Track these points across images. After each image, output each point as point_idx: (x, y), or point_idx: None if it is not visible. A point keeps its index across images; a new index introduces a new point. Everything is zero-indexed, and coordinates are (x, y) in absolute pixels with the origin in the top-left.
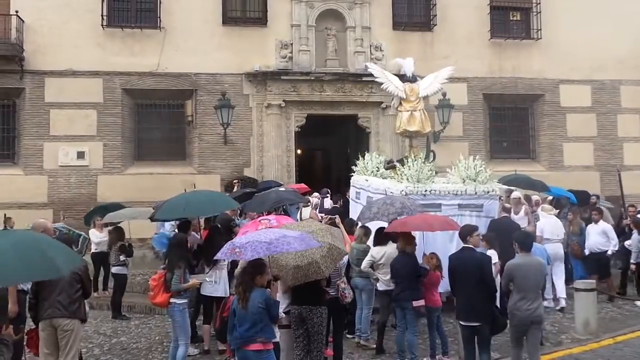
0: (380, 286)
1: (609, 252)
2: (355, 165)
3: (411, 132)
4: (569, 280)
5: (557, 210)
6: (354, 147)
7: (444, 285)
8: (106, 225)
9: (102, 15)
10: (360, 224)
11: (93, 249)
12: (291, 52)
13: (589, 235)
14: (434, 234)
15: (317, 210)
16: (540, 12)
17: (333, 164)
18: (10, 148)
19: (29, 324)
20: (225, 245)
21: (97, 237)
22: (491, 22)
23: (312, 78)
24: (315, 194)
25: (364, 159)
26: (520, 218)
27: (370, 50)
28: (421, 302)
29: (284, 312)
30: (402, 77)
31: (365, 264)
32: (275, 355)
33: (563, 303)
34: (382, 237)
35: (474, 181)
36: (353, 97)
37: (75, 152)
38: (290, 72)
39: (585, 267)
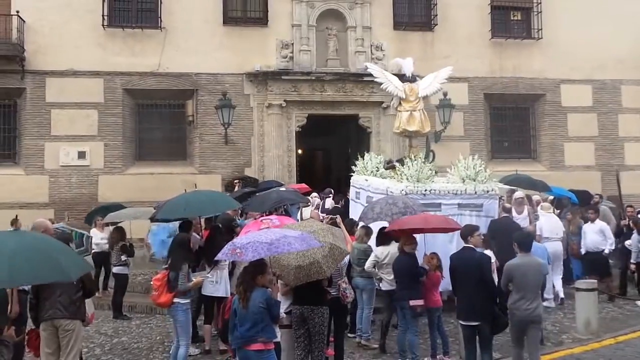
0: (384, 286)
1: (606, 251)
2: (355, 165)
3: (410, 132)
4: (569, 280)
5: (558, 211)
6: (354, 147)
7: (445, 285)
8: (107, 225)
9: (102, 16)
10: (361, 224)
11: (94, 248)
12: (292, 52)
13: (585, 235)
14: (434, 234)
15: (319, 210)
16: (541, 11)
17: (334, 164)
18: (11, 148)
19: (29, 324)
20: (226, 246)
21: (99, 236)
22: (492, 21)
23: (313, 78)
24: (315, 194)
25: (363, 159)
26: (523, 218)
27: (371, 50)
28: (419, 302)
29: (285, 312)
30: (402, 77)
31: (369, 264)
32: (276, 355)
33: (561, 295)
34: (384, 237)
35: (474, 181)
36: (354, 97)
37: (76, 152)
38: (291, 72)
39: (583, 267)
